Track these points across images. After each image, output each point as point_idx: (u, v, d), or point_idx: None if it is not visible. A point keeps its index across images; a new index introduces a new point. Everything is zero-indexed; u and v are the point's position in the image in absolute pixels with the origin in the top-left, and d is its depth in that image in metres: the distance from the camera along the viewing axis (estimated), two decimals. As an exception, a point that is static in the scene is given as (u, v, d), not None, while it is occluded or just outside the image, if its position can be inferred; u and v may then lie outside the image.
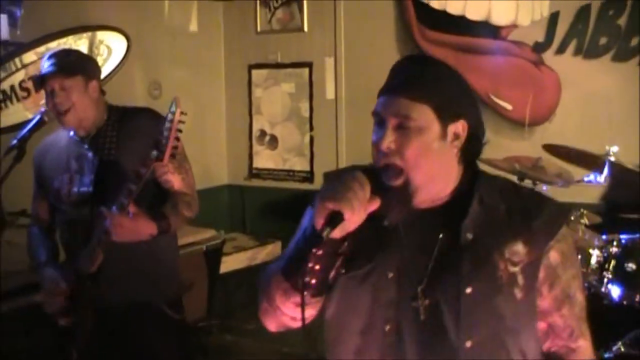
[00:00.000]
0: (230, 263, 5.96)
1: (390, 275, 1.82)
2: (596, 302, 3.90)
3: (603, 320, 3.88)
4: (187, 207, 3.18)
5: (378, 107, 1.84)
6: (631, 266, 3.72)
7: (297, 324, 1.83)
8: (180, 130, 2.68)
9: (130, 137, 3.13)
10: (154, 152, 2.71)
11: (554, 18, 5.60)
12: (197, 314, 5.16)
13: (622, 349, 3.41)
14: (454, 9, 5.96)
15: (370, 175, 1.77)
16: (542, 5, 5.64)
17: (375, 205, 1.76)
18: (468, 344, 1.77)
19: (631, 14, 5.32)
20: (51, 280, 3.14)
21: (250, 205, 7.07)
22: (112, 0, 5.99)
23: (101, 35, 5.91)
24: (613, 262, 3.79)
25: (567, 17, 5.55)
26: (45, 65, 3.09)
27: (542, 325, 1.87)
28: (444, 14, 6.00)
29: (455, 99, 1.84)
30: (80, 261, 3.05)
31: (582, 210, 4.40)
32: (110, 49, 5.99)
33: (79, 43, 5.75)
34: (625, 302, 3.74)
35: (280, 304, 1.84)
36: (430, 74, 1.83)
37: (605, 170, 4.10)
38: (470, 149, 1.88)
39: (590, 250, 3.94)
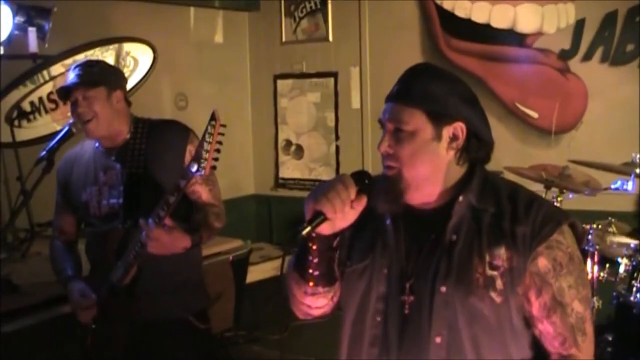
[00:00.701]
0: (257, 273, 5.96)
1: (384, 271, 1.93)
2: (625, 311, 3.87)
3: (632, 329, 3.88)
4: (216, 218, 3.20)
5: (380, 114, 1.96)
6: (660, 275, 3.70)
7: (314, 312, 2.03)
8: (220, 142, 2.68)
9: (159, 149, 3.15)
10: (194, 164, 2.70)
11: (580, 25, 5.58)
12: (223, 324, 5.13)
13: (652, 359, 3.39)
14: (478, 17, 5.95)
15: (359, 176, 1.88)
16: (568, 12, 5.62)
17: (362, 203, 1.86)
18: (437, 339, 1.85)
19: (658, 21, 5.29)
20: (81, 293, 3.15)
21: (277, 215, 7.09)
22: (138, 12, 6.06)
23: (128, 46, 5.95)
24: (642, 271, 3.77)
25: (593, 24, 5.53)
26: (70, 77, 3.10)
27: (535, 331, 1.92)
28: (468, 22, 5.99)
29: (449, 102, 1.89)
30: (114, 274, 3.06)
31: (610, 218, 4.37)
32: (136, 60, 6.04)
33: (106, 55, 5.80)
34: (654, 312, 3.72)
35: (296, 293, 1.98)
36: (424, 80, 1.92)
37: (632, 179, 4.07)
38: (472, 150, 1.93)
39: (619, 259, 3.92)
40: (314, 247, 1.87)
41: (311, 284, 1.92)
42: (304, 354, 5.31)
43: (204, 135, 2.68)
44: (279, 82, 7.03)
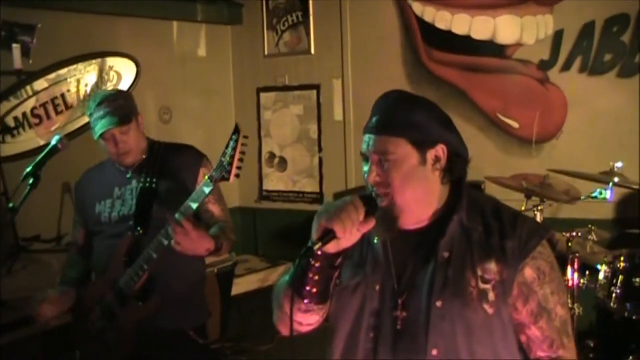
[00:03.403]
0: (242, 285, 5.99)
1: (377, 287, 2.01)
2: (605, 317, 3.93)
3: (613, 334, 3.94)
4: (231, 231, 3.36)
5: (363, 147, 2.02)
6: (638, 280, 3.74)
7: (304, 329, 2.09)
8: (243, 153, 2.88)
9: (173, 170, 3.33)
10: (217, 173, 2.89)
11: (558, 36, 5.66)
12: (210, 336, 5.19)
13: (633, 363, 3.44)
14: (459, 29, 6.02)
15: (368, 200, 1.95)
16: (547, 23, 5.69)
17: (369, 226, 1.94)
18: (434, 352, 1.93)
19: (635, 30, 5.36)
20: (60, 291, 3.32)
21: (262, 227, 7.12)
22: (121, 27, 6.09)
23: (111, 61, 6.00)
24: (621, 278, 3.81)
25: (571, 35, 5.60)
26: (101, 115, 3.22)
27: (523, 337, 2.03)
28: (449, 34, 6.06)
29: (429, 127, 1.99)
30: (123, 280, 3.18)
31: (590, 226, 4.43)
32: (120, 75, 6.07)
33: (89, 69, 5.84)
34: (634, 317, 3.76)
35: (289, 310, 1.97)
36: (404, 110, 2.00)
37: (609, 188, 4.14)
38: (454, 169, 2.04)
39: (599, 266, 3.98)
40: (317, 265, 1.93)
41: (307, 301, 1.98)
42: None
43: (227, 146, 2.86)
44: (262, 95, 7.08)
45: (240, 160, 2.87)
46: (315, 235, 1.90)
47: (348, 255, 2.01)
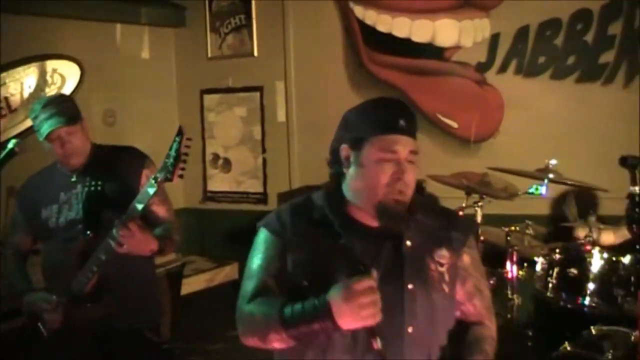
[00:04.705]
0: (190, 285, 6.05)
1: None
2: (542, 306, 4.10)
3: (550, 323, 4.12)
4: (175, 232, 3.42)
5: (390, 147, 2.14)
6: (573, 272, 3.93)
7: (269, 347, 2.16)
8: (186, 154, 2.93)
9: (117, 172, 3.36)
10: (162, 174, 2.93)
11: (495, 39, 5.86)
12: (163, 337, 5.23)
13: (569, 349, 3.59)
14: (399, 32, 6.17)
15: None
16: (484, 27, 5.89)
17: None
18: (410, 329, 2.14)
19: (567, 34, 5.60)
20: (43, 299, 3.30)
21: (207, 227, 7.16)
22: (64, 29, 6.09)
23: (54, 64, 6.00)
24: (557, 269, 4.00)
25: (507, 38, 5.81)
26: (47, 115, 3.26)
27: (457, 313, 2.31)
28: (390, 37, 6.21)
29: None
30: (75, 283, 3.20)
31: (527, 221, 4.61)
32: (63, 77, 6.08)
33: (28, 72, 5.82)
34: (569, 306, 3.95)
35: (276, 342, 2.10)
36: (412, 114, 2.21)
37: (544, 184, 4.33)
38: None
39: (535, 259, 4.16)
40: (317, 327, 2.01)
41: (293, 342, 2.08)
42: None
43: (171, 148, 2.91)
44: (206, 96, 7.14)
45: (184, 161, 2.93)
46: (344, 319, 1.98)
47: (313, 258, 2.16)
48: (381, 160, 2.13)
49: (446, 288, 2.21)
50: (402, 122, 2.14)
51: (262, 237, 2.28)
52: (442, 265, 2.21)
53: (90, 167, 3.38)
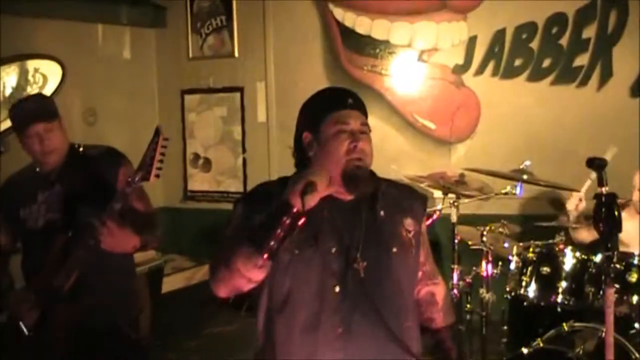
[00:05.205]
0: (169, 284, 6.08)
1: (334, 250, 2.33)
2: (517, 304, 4.19)
3: (523, 320, 4.21)
4: (155, 227, 3.45)
5: (342, 120, 2.36)
6: (546, 270, 4.01)
7: (250, 286, 2.27)
8: (163, 154, 3.00)
9: (95, 171, 3.37)
10: (139, 173, 3.00)
11: (472, 42, 5.97)
12: (140, 333, 5.26)
13: (541, 345, 3.68)
14: (378, 34, 6.27)
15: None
16: (461, 30, 6.00)
17: (331, 190, 2.31)
18: (395, 288, 2.39)
19: (542, 38, 5.72)
20: (20, 298, 3.33)
21: (186, 226, 7.19)
22: (46, 29, 6.12)
23: (36, 63, 6.02)
24: (530, 267, 4.09)
25: (484, 41, 5.94)
26: (25, 111, 3.30)
27: (419, 273, 2.57)
28: (369, 38, 6.30)
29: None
30: (55, 280, 3.21)
31: (503, 221, 4.71)
32: (45, 77, 6.10)
33: (8, 71, 5.84)
34: (542, 303, 4.04)
35: (242, 266, 2.21)
36: (356, 95, 2.48)
37: (519, 185, 4.43)
38: None
39: (510, 257, 4.25)
40: (287, 222, 2.18)
41: (266, 256, 2.18)
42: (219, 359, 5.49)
43: (148, 148, 2.99)
44: (187, 97, 7.19)
45: (160, 161, 2.99)
46: (295, 192, 2.18)
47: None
48: (337, 133, 2.34)
49: (414, 251, 2.48)
50: (350, 100, 2.40)
51: (240, 209, 2.43)
52: (409, 232, 2.46)
53: (67, 167, 3.40)
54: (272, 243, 2.17)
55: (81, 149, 3.48)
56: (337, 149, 2.33)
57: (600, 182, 2.33)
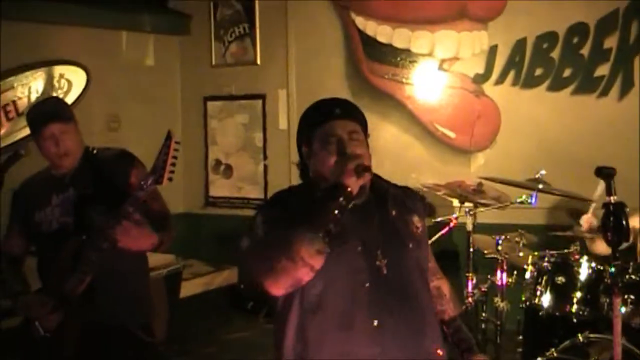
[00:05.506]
0: (188, 288, 6.12)
1: (359, 248, 2.39)
2: (532, 314, 4.18)
3: (539, 330, 4.20)
4: (171, 227, 3.45)
5: (331, 131, 2.43)
6: (561, 279, 4.00)
7: (310, 276, 2.28)
8: (175, 157, 3.04)
9: (107, 174, 3.40)
10: (151, 177, 3.03)
11: (492, 51, 5.97)
12: (157, 337, 5.25)
13: (555, 355, 3.68)
14: (399, 43, 6.29)
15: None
16: (482, 39, 6.00)
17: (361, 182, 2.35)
18: (416, 282, 2.47)
19: (563, 47, 5.70)
20: (39, 301, 3.33)
21: (207, 232, 7.26)
22: (71, 36, 6.21)
23: (61, 69, 6.12)
24: (545, 277, 4.08)
25: (505, 50, 5.93)
26: (41, 113, 3.35)
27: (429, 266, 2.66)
28: (390, 47, 6.32)
29: (364, 118, 2.54)
30: (66, 284, 3.23)
31: (520, 230, 4.70)
32: (70, 82, 6.19)
33: (36, 76, 5.94)
34: (557, 313, 4.03)
35: (305, 253, 2.24)
36: (351, 104, 2.56)
37: (534, 194, 4.43)
38: None
39: (525, 266, 4.24)
40: (343, 203, 2.26)
41: (327, 240, 2.24)
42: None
43: (160, 151, 3.01)
44: (209, 103, 7.26)
45: (172, 164, 3.02)
46: (348, 174, 2.28)
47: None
48: (325, 145, 2.42)
49: (425, 248, 2.60)
50: (337, 110, 2.46)
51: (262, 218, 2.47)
52: (417, 229, 2.54)
53: (81, 170, 3.42)
54: (330, 225, 2.25)
55: (95, 152, 3.50)
56: (327, 159, 2.40)
57: (609, 191, 2.34)
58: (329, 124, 2.44)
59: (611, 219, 2.28)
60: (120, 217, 3.07)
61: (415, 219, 2.55)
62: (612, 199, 2.31)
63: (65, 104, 3.58)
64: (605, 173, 2.36)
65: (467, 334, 2.68)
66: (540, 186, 4.36)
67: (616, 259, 2.30)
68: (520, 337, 4.36)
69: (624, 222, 2.27)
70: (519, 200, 4.54)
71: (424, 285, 2.53)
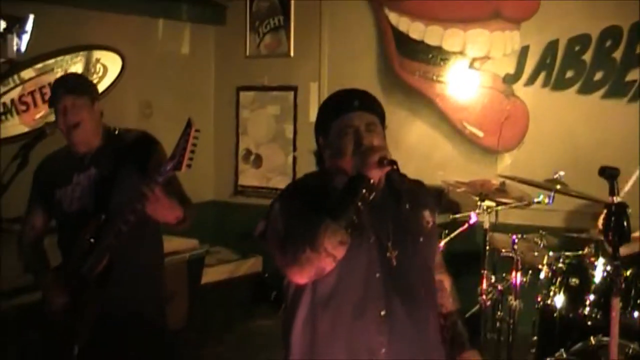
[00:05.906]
0: (212, 274, 6.20)
1: (372, 239, 2.45)
2: (547, 315, 4.19)
3: (553, 331, 4.21)
4: (192, 210, 3.46)
5: (350, 122, 2.47)
6: (575, 281, 4.02)
7: (332, 266, 2.34)
8: (195, 145, 3.07)
9: (128, 155, 3.45)
10: (170, 163, 3.06)
11: (524, 52, 5.96)
12: (177, 323, 5.28)
13: (564, 356, 3.68)
14: (431, 40, 6.31)
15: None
16: (514, 39, 5.99)
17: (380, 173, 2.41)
18: (423, 275, 2.54)
19: (595, 50, 5.68)
20: (52, 281, 3.42)
21: (234, 220, 7.30)
22: (108, 22, 6.30)
23: (98, 54, 6.23)
24: (559, 278, 4.10)
25: (536, 51, 5.91)
26: (57, 86, 3.44)
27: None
28: (422, 44, 6.34)
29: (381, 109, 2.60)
30: (85, 264, 3.31)
31: (541, 231, 4.71)
32: (106, 67, 6.29)
33: (76, 60, 6.05)
34: (570, 315, 4.04)
35: (328, 244, 2.29)
36: (370, 95, 2.60)
37: (551, 195, 4.44)
38: None
39: (540, 267, 4.25)
40: (367, 195, 2.32)
41: (349, 230, 2.30)
42: (255, 353, 5.57)
43: (180, 138, 3.05)
44: (242, 94, 7.33)
45: (192, 151, 3.05)
46: (372, 165, 2.32)
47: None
48: (342, 136, 2.45)
49: (434, 242, 2.70)
50: (356, 102, 2.50)
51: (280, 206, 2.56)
52: (428, 223, 2.60)
53: (103, 150, 3.46)
54: (354, 216, 2.31)
55: (117, 132, 3.55)
56: (343, 151, 2.44)
57: (612, 191, 2.36)
58: (347, 115, 2.48)
59: (612, 219, 2.30)
60: (153, 182, 3.09)
61: (427, 213, 2.60)
62: (615, 199, 2.33)
63: (86, 79, 3.64)
64: (608, 173, 2.37)
65: (461, 329, 2.72)
66: (558, 187, 4.37)
67: (616, 259, 2.31)
68: (535, 338, 4.36)
69: (624, 223, 2.28)
70: (536, 200, 4.56)
71: (430, 278, 2.59)
